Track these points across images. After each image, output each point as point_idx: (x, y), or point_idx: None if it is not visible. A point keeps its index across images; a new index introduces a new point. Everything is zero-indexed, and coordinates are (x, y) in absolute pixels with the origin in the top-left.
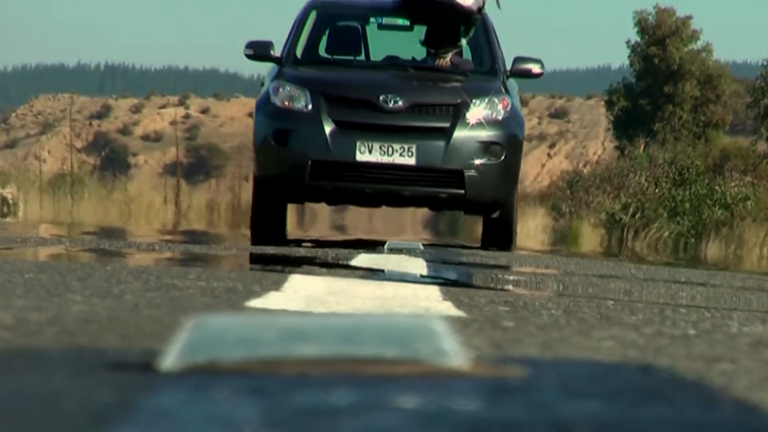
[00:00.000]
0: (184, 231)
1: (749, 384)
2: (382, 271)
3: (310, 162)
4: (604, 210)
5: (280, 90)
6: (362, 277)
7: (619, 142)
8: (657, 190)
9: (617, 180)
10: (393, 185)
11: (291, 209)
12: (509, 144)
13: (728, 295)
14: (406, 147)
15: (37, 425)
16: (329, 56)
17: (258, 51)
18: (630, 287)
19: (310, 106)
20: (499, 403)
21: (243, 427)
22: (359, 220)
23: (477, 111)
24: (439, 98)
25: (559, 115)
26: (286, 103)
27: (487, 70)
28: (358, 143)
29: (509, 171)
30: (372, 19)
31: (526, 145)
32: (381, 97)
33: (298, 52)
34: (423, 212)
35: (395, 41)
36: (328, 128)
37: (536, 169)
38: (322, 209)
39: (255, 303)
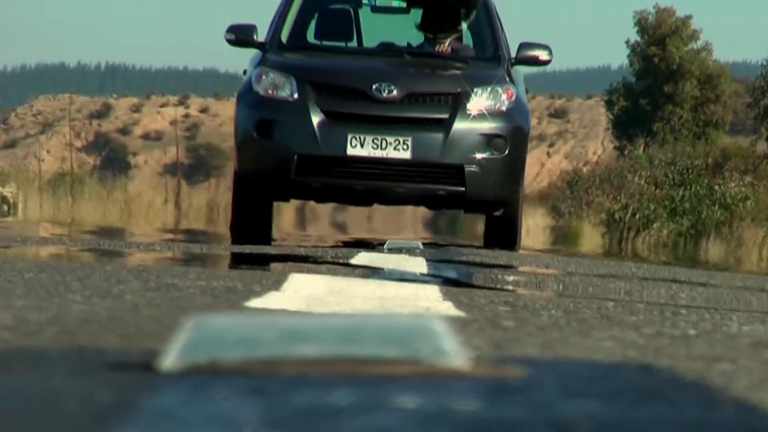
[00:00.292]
0: (184, 231)
1: (749, 384)
2: (382, 270)
3: (295, 156)
4: (604, 210)
5: (263, 77)
6: (362, 276)
7: (618, 142)
8: (657, 191)
9: (617, 180)
10: (387, 182)
11: (290, 208)
12: (514, 137)
13: (728, 296)
14: (401, 140)
15: (37, 425)
16: (318, 42)
17: (240, 36)
18: (630, 287)
19: (295, 95)
20: (499, 403)
21: (243, 427)
22: (358, 219)
23: (479, 101)
24: (438, 87)
25: (558, 115)
26: (270, 92)
27: (490, 56)
28: (348, 136)
29: (514, 166)
30: (365, 2)
31: None
32: (374, 86)
33: (284, 37)
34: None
35: (390, 26)
36: (315, 119)
37: (536, 169)
38: (321, 208)
39: (255, 303)
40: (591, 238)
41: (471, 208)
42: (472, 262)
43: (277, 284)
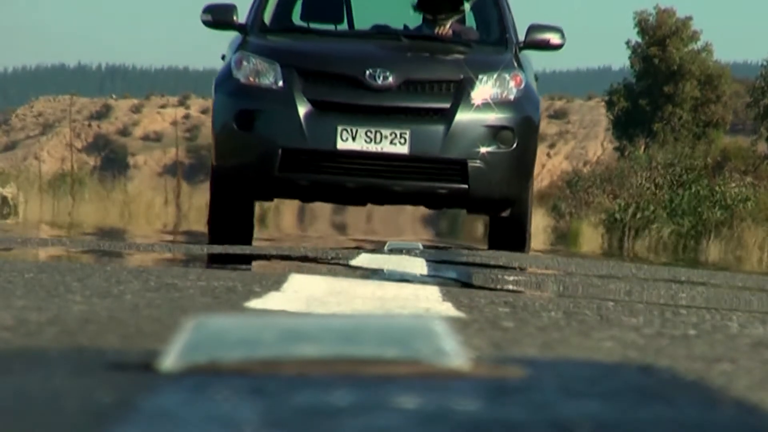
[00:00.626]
0: (184, 231)
1: (749, 384)
2: (382, 271)
3: (280, 150)
4: (604, 210)
5: (244, 63)
6: (362, 277)
7: (619, 143)
8: (657, 191)
9: (617, 180)
10: (382, 179)
11: (290, 208)
12: (522, 129)
13: (728, 296)
14: (397, 132)
15: (37, 425)
16: (304, 24)
17: (217, 17)
18: (630, 288)
19: (280, 83)
20: (499, 403)
21: (243, 427)
22: (356, 220)
23: (483, 89)
24: (438, 73)
25: (558, 115)
26: (252, 79)
27: (496, 40)
28: (339, 128)
29: (522, 161)
30: None
31: None
32: (367, 72)
33: (267, 19)
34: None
35: (384, 6)
36: (302, 110)
37: (536, 170)
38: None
39: (255, 303)
40: (591, 238)
41: (475, 208)
42: (472, 263)
43: (277, 285)
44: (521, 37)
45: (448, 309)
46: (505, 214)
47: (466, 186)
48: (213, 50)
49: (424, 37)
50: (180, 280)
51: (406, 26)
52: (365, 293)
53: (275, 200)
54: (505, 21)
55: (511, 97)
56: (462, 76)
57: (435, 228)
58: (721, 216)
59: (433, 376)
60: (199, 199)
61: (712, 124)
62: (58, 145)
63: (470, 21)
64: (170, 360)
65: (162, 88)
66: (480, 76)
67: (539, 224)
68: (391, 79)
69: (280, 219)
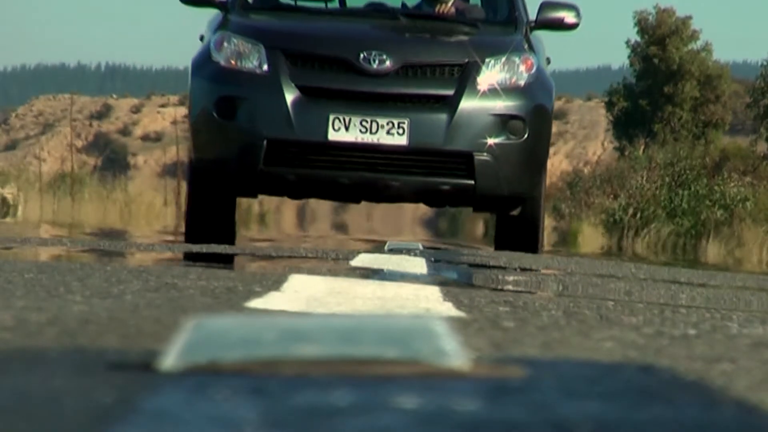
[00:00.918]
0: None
1: (749, 384)
2: (382, 271)
3: (265, 142)
4: (604, 210)
5: (225, 44)
6: (362, 277)
7: (618, 143)
8: (657, 191)
9: (617, 180)
10: (378, 173)
11: (290, 208)
12: (534, 118)
13: (728, 296)
14: (395, 122)
15: (37, 425)
16: (292, 1)
17: None
18: (630, 288)
19: (265, 67)
20: (499, 403)
21: (243, 427)
22: (354, 220)
23: (491, 74)
24: (440, 57)
25: (558, 116)
26: (233, 62)
27: (504, 19)
28: (330, 117)
29: (534, 154)
30: None
31: None
32: (362, 55)
33: None
34: (422, 210)
35: None
36: (289, 96)
37: None
38: (321, 208)
39: (255, 303)
40: (591, 238)
41: (481, 206)
42: (472, 263)
43: (277, 285)
44: (532, 16)
45: (449, 309)
46: (515, 212)
47: (471, 181)
48: None
49: (424, 16)
50: (180, 280)
51: (404, 4)
52: (365, 293)
53: (275, 199)
54: None
55: (522, 82)
56: (466, 60)
57: (434, 228)
58: (720, 216)
59: (433, 376)
60: None
61: (711, 124)
62: (58, 145)
63: None
64: (170, 360)
65: (162, 88)
66: (486, 60)
67: None
68: (388, 62)
69: (281, 219)
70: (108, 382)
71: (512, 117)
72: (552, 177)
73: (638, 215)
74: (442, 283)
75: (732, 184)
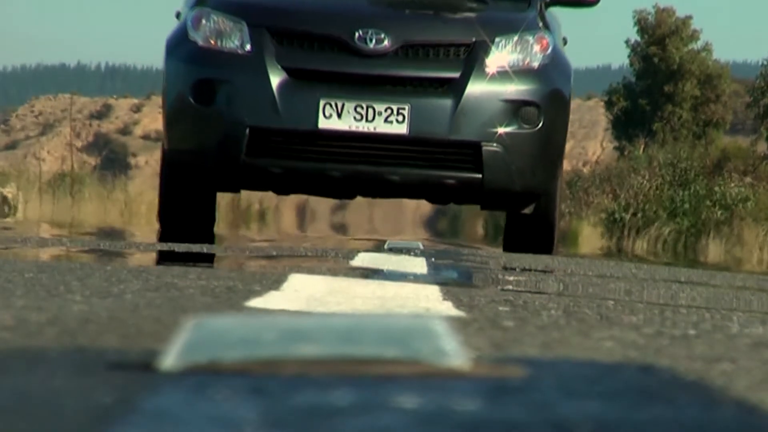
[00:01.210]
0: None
1: (749, 384)
2: (382, 270)
3: (247, 130)
4: (604, 210)
5: (204, 22)
6: (362, 276)
7: (618, 143)
8: (657, 191)
9: (617, 180)
10: (374, 166)
11: (290, 207)
12: (550, 104)
13: (728, 296)
14: (394, 108)
15: (37, 425)
16: None
17: None
18: (630, 287)
19: (248, 46)
20: (499, 403)
21: (243, 427)
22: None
23: (501, 55)
24: (444, 35)
25: None
26: (212, 42)
27: None
28: (321, 102)
29: (549, 144)
30: None
31: None
32: (357, 34)
33: None
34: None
35: None
36: (275, 79)
37: None
38: (321, 208)
39: (255, 303)
40: (591, 238)
41: (490, 203)
42: (472, 263)
43: (277, 284)
44: None
45: (448, 308)
46: (528, 210)
47: (479, 175)
48: None
49: None
50: (180, 280)
51: None
52: (365, 293)
53: (275, 197)
54: None
55: (536, 64)
56: (474, 39)
57: (434, 227)
58: (720, 216)
59: (433, 376)
60: None
61: (711, 123)
62: (58, 145)
63: None
64: (170, 360)
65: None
66: (497, 39)
67: None
68: (386, 42)
69: (281, 219)
70: (108, 382)
71: (525, 103)
72: None
73: (638, 215)
74: (442, 283)
75: (732, 184)
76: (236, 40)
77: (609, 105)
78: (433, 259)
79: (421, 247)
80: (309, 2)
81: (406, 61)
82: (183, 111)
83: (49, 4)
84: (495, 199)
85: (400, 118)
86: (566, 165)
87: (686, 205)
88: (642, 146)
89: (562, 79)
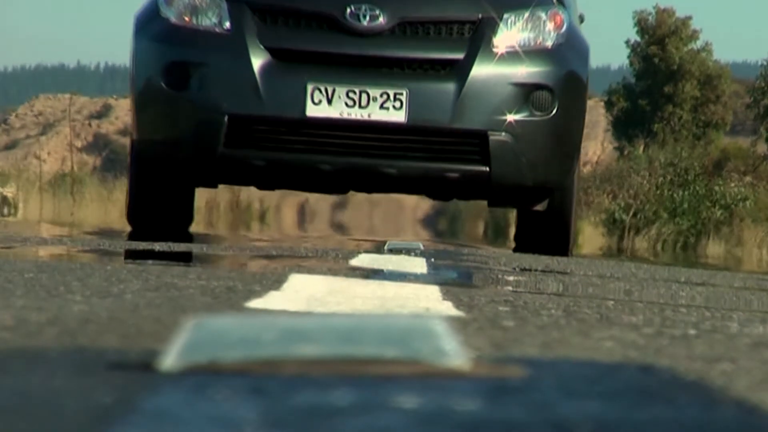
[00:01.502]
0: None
1: (749, 384)
2: (383, 270)
3: (226, 118)
4: (604, 210)
5: None
6: (362, 277)
7: (618, 143)
8: (657, 191)
9: (617, 180)
10: (368, 158)
11: (290, 207)
12: (565, 88)
13: (728, 296)
14: (390, 94)
15: (37, 425)
16: None
17: None
18: (630, 287)
19: (227, 24)
20: (500, 403)
21: (243, 427)
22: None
23: (511, 33)
24: (447, 11)
25: None
26: (187, 19)
27: None
28: (309, 87)
29: (565, 133)
30: None
31: None
32: (348, 9)
33: None
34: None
35: None
36: (257, 61)
37: None
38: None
39: (255, 303)
40: (591, 238)
41: (498, 199)
42: (472, 263)
43: (277, 284)
44: None
45: (448, 308)
46: (541, 207)
47: (486, 168)
48: None
49: None
50: (180, 280)
51: None
52: (365, 293)
53: (276, 195)
54: None
55: (549, 43)
56: (480, 16)
57: (434, 227)
58: (720, 216)
59: (433, 376)
60: (198, 197)
61: (711, 124)
62: (58, 145)
63: None
64: (170, 360)
65: None
66: (505, 16)
67: None
68: (381, 18)
69: (281, 218)
70: (108, 382)
71: (537, 87)
72: None
73: (638, 215)
74: (442, 283)
75: (732, 184)
76: (213, 16)
77: (609, 105)
78: (433, 260)
79: (422, 247)
80: None
81: (404, 40)
82: (153, 97)
83: (49, 4)
84: (503, 194)
85: (398, 104)
86: None
87: (685, 205)
88: (642, 147)
89: (579, 61)
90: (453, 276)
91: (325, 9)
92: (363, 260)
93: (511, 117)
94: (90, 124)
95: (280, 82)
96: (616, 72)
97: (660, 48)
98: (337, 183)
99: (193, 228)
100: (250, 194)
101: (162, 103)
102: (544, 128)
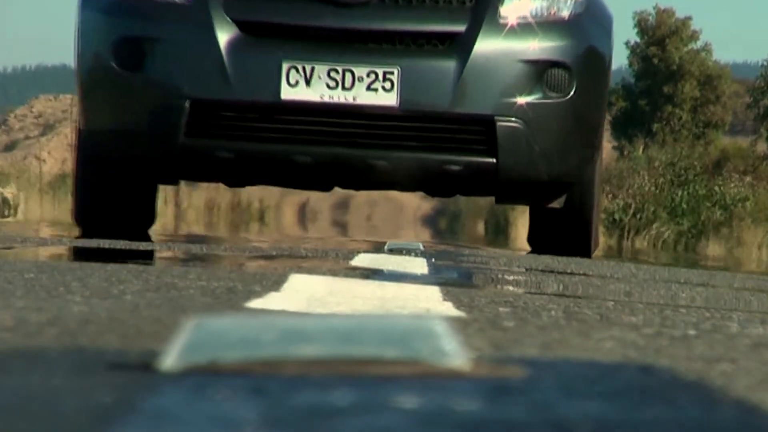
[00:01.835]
0: (183, 231)
1: (749, 384)
2: (383, 271)
3: (188, 103)
4: (604, 210)
5: None
6: (363, 277)
7: (618, 143)
8: (657, 191)
9: (617, 181)
10: (355, 149)
11: (290, 206)
12: (584, 65)
13: (728, 296)
14: (379, 73)
15: (37, 425)
16: None
17: None
18: (630, 288)
19: None
20: (500, 403)
21: (243, 427)
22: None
23: (521, 2)
24: None
25: None
26: None
27: None
28: (284, 66)
29: (585, 118)
30: None
31: None
32: None
33: None
34: (425, 206)
35: None
36: (224, 36)
37: None
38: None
39: (255, 303)
40: None
41: (508, 194)
42: (472, 263)
43: (277, 285)
44: None
45: (449, 309)
46: (558, 204)
47: (492, 159)
48: None
49: None
50: (180, 280)
51: None
52: (365, 293)
53: (276, 194)
54: None
55: (566, 13)
56: None
57: (434, 227)
58: (720, 216)
59: (433, 376)
60: (198, 197)
61: (711, 124)
62: (58, 146)
63: None
64: (170, 360)
65: None
66: None
67: None
68: None
69: (281, 218)
70: (108, 382)
71: (552, 64)
72: None
73: (638, 215)
74: (443, 283)
75: (732, 185)
76: None
77: (608, 106)
78: (433, 260)
79: (422, 247)
80: None
81: (396, 10)
82: (102, 78)
83: (49, 4)
84: (514, 189)
85: (388, 85)
86: None
87: (684, 205)
88: (642, 147)
89: (600, 34)
90: (453, 276)
91: None
92: (363, 260)
93: (521, 99)
94: None
95: (250, 61)
96: (615, 72)
97: (660, 48)
98: (318, 178)
99: (193, 228)
100: (250, 193)
101: (112, 87)
102: (561, 112)
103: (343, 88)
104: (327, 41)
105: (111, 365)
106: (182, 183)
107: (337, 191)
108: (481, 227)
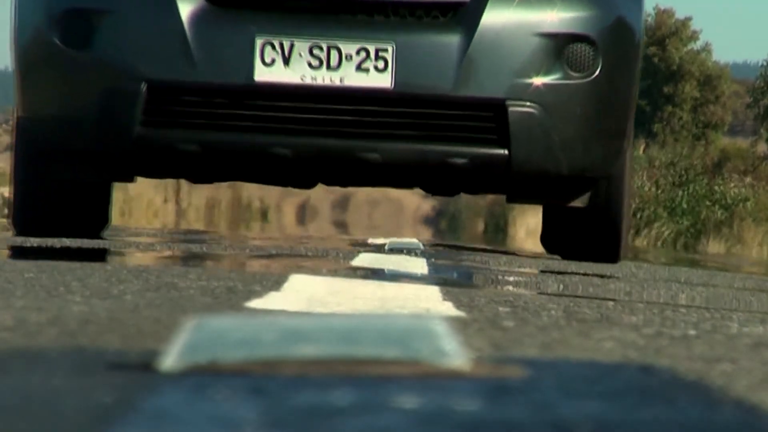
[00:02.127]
0: (184, 230)
1: (749, 384)
2: (383, 271)
3: (144, 86)
4: None
5: None
6: (363, 277)
7: None
8: (657, 191)
9: None
10: (342, 139)
11: (290, 205)
12: (611, 40)
13: (728, 296)
14: (370, 50)
15: (37, 425)
16: None
17: None
18: (630, 287)
19: None
20: (500, 403)
21: (243, 427)
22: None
23: None
24: None
25: None
26: None
27: None
28: (258, 42)
29: (613, 102)
30: None
31: None
32: None
33: None
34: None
35: None
36: (186, 7)
37: None
38: (321, 204)
39: (255, 303)
40: None
41: (521, 191)
42: (472, 263)
43: (277, 285)
44: None
45: (449, 309)
46: (581, 202)
47: (504, 151)
48: None
49: None
50: (180, 280)
51: None
52: (365, 293)
53: (276, 193)
54: None
55: None
56: None
57: (435, 226)
58: (721, 216)
59: (433, 376)
60: (198, 196)
61: (711, 125)
62: None
63: None
64: (170, 360)
65: None
66: None
67: (538, 223)
68: None
69: (282, 218)
70: (108, 382)
71: (574, 38)
72: None
73: (639, 215)
74: (442, 283)
75: (732, 185)
76: None
77: None
78: (433, 260)
79: (422, 247)
80: None
81: None
82: (44, 57)
83: None
84: (528, 186)
85: (381, 64)
86: None
87: (684, 205)
88: (642, 147)
89: (630, 3)
90: (453, 276)
91: None
92: (363, 260)
93: (537, 80)
94: None
95: (218, 36)
96: None
97: (660, 48)
98: (298, 173)
99: (194, 225)
100: (250, 192)
101: (55, 67)
102: (584, 95)
103: (328, 67)
104: (308, 12)
105: (111, 365)
106: (182, 183)
107: (337, 190)
108: (480, 227)
